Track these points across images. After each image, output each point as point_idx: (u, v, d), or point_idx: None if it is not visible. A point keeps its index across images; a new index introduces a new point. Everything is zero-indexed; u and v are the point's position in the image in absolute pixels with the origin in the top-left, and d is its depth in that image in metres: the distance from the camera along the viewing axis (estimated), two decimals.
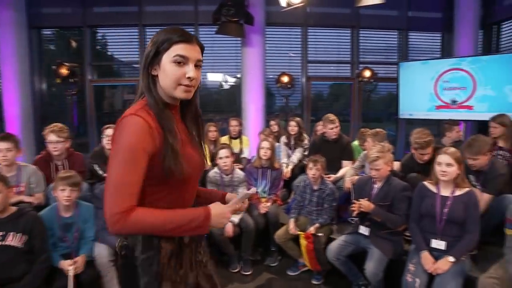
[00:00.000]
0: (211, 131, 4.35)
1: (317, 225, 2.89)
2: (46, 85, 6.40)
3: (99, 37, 6.76)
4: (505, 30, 6.23)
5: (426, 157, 2.88)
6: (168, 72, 1.07)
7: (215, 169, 3.31)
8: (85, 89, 6.32)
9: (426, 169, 2.72)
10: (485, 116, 4.98)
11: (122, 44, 6.64)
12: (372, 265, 2.38)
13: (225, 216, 1.10)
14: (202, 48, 1.15)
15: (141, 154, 1.01)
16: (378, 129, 3.61)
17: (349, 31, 6.60)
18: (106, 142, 3.24)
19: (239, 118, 4.65)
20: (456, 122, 3.87)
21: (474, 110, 5.15)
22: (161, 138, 1.05)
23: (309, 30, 6.50)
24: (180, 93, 1.09)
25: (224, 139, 4.56)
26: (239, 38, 5.95)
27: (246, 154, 4.49)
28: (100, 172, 3.12)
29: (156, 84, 1.11)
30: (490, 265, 2.23)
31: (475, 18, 6.05)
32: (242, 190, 1.20)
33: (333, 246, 2.65)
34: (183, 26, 6.39)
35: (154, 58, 1.09)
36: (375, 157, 2.51)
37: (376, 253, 2.44)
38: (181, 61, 1.07)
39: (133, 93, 6.62)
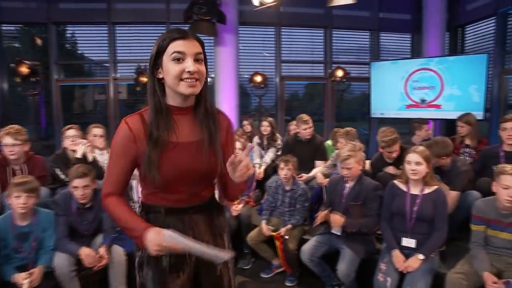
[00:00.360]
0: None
1: (289, 226, 2.86)
2: (8, 84, 6.05)
3: (68, 35, 6.48)
4: (469, 32, 6.48)
5: (394, 155, 2.95)
6: (169, 70, 1.10)
7: None
8: (51, 88, 6.04)
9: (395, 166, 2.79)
10: (452, 115, 5.13)
11: (91, 42, 6.40)
12: (344, 266, 2.36)
13: (153, 247, 1.08)
14: (201, 43, 1.16)
15: (120, 154, 1.17)
16: (348, 128, 3.63)
17: (322, 31, 6.65)
18: (69, 143, 3.07)
19: None
20: (425, 121, 3.95)
21: (442, 109, 5.30)
22: (145, 143, 1.14)
23: (283, 30, 6.49)
24: (184, 89, 1.11)
25: None
26: (211, 37, 5.86)
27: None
28: (62, 176, 2.96)
29: (163, 88, 1.17)
30: (457, 261, 2.28)
31: (442, 20, 6.25)
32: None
33: (307, 247, 2.62)
34: (154, 25, 6.30)
35: (156, 61, 1.14)
36: (346, 155, 2.50)
37: (348, 253, 2.42)
38: (179, 57, 1.09)
39: (104, 93, 6.39)
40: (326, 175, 3.39)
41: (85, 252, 2.29)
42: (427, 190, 2.31)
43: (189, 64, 1.10)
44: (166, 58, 1.11)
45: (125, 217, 1.16)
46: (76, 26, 6.33)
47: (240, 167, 1.10)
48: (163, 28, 6.18)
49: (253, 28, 6.48)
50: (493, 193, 2.24)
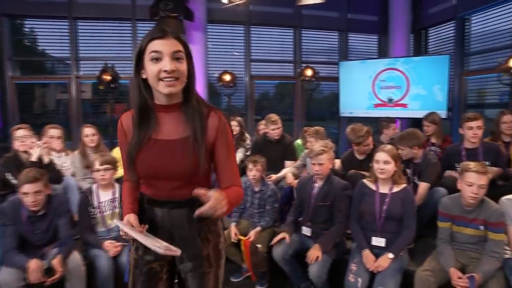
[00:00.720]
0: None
1: (258, 228, 2.79)
2: None
3: (26, 30, 6.05)
4: (432, 35, 6.72)
5: (368, 149, 2.98)
6: (149, 70, 1.13)
7: None
8: (6, 86, 5.63)
9: (365, 165, 2.82)
10: (418, 114, 5.29)
11: (51, 38, 6.01)
12: (316, 267, 2.32)
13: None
14: (182, 41, 1.16)
15: (120, 146, 1.33)
16: (317, 127, 3.61)
17: (291, 31, 6.66)
18: (18, 145, 2.84)
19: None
20: (392, 120, 4.03)
21: (408, 108, 5.44)
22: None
23: (252, 29, 6.43)
24: (163, 88, 1.13)
25: None
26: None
27: None
28: (14, 181, 2.72)
29: (149, 87, 1.18)
30: (425, 258, 2.30)
31: (406, 23, 6.45)
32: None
33: (279, 243, 2.56)
34: (119, 21, 6.03)
35: (139, 62, 1.16)
36: (320, 150, 2.45)
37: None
38: (157, 57, 1.11)
39: (67, 92, 6.03)
40: (296, 176, 3.35)
41: (32, 266, 2.06)
42: (395, 189, 2.32)
43: (165, 63, 1.10)
44: (146, 58, 1.13)
45: (123, 201, 1.35)
46: (35, 20, 5.92)
47: (207, 207, 1.03)
48: (129, 24, 5.94)
49: (222, 27, 6.37)
50: (458, 190, 2.29)
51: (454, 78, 5.89)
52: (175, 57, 1.13)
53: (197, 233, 1.28)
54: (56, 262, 2.13)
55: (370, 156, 2.90)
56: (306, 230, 2.55)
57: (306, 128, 3.72)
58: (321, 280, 2.30)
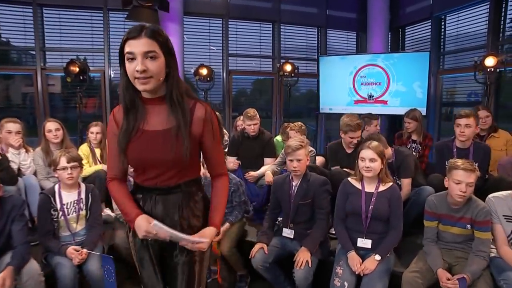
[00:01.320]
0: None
1: (227, 225, 2.62)
2: None
3: None
4: (409, 33, 6.79)
5: (355, 141, 2.91)
6: (127, 70, 1.19)
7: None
8: None
9: (352, 159, 2.76)
10: (398, 111, 5.32)
11: (13, 26, 5.55)
12: (303, 270, 2.17)
13: (140, 231, 1.24)
14: (156, 39, 1.18)
15: (111, 140, 1.34)
16: (300, 123, 3.50)
17: (270, 26, 6.52)
18: None
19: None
20: (374, 116, 3.97)
21: (388, 104, 5.44)
22: None
23: (230, 22, 6.25)
24: (139, 86, 1.20)
25: None
26: None
27: None
28: None
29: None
30: (411, 258, 2.24)
31: (385, 21, 6.50)
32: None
33: (258, 253, 2.37)
34: (90, 10, 5.65)
35: (122, 60, 1.21)
36: (298, 145, 2.32)
37: None
38: (131, 57, 1.16)
39: (32, 85, 5.61)
40: (275, 173, 3.22)
41: None
42: (382, 188, 2.22)
43: (137, 64, 1.15)
44: (125, 58, 1.19)
45: (122, 202, 1.33)
46: None
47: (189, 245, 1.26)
48: (99, 14, 5.60)
49: (199, 19, 6.15)
50: (445, 189, 2.22)
51: (429, 76, 5.96)
52: (147, 57, 1.17)
53: (178, 220, 1.34)
54: (4, 275, 1.85)
55: (354, 153, 2.84)
56: (287, 232, 2.41)
57: (286, 124, 3.60)
58: (307, 282, 2.15)
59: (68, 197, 2.32)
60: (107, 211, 3.19)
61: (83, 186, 2.41)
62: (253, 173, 3.39)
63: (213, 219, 1.35)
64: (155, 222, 1.20)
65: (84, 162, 3.29)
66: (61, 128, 3.15)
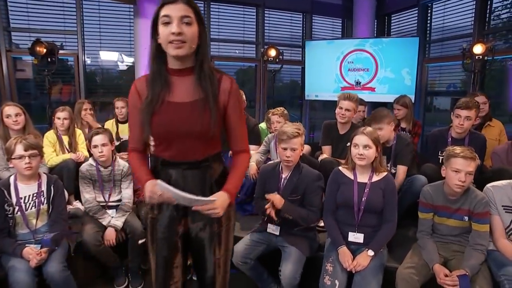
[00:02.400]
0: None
1: None
2: None
3: None
4: (395, 21, 6.66)
5: (342, 112, 2.83)
6: (160, 34, 1.20)
7: (90, 161, 2.57)
8: None
9: (343, 141, 2.73)
10: (386, 98, 5.20)
11: None
12: (291, 267, 1.99)
13: (147, 194, 1.24)
14: (192, 7, 1.20)
15: (132, 112, 1.36)
16: (283, 108, 3.31)
17: (253, 10, 6.26)
18: None
19: (125, 98, 3.88)
20: (363, 102, 3.82)
21: (376, 92, 5.30)
22: None
23: (213, 6, 5.95)
24: (171, 51, 1.20)
25: (109, 124, 3.77)
26: (129, 5, 5.11)
27: None
28: None
29: (164, 53, 1.25)
30: (405, 251, 2.11)
31: (371, 8, 6.33)
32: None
33: (239, 247, 2.19)
34: None
35: (155, 27, 1.22)
36: (295, 132, 2.09)
37: (293, 252, 2.07)
38: (167, 21, 1.17)
39: None
40: (260, 163, 3.02)
41: None
42: (375, 178, 2.05)
43: (173, 26, 1.17)
44: (159, 22, 1.20)
45: (137, 169, 1.37)
46: None
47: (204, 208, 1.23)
48: None
49: None
50: (438, 179, 2.10)
51: (419, 62, 5.87)
52: (183, 22, 1.18)
53: (209, 194, 1.31)
54: None
55: (349, 134, 2.70)
56: (273, 228, 2.20)
57: (272, 110, 3.39)
58: (295, 282, 1.97)
59: (26, 190, 2.05)
60: (76, 204, 2.93)
61: (44, 177, 2.15)
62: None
63: (226, 185, 1.32)
64: (158, 181, 1.19)
65: (50, 150, 3.03)
66: (22, 113, 2.84)
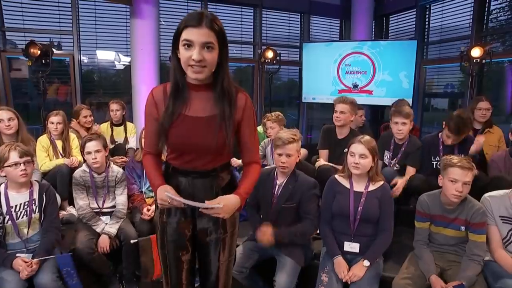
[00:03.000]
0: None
1: None
2: None
3: None
4: (393, 22, 6.64)
5: (338, 115, 2.83)
6: (181, 55, 1.22)
7: (84, 167, 2.54)
8: None
9: (342, 146, 2.64)
10: (384, 101, 5.18)
11: None
12: (285, 277, 1.96)
13: (158, 200, 1.30)
14: (215, 30, 1.20)
15: (148, 118, 1.39)
16: (278, 112, 3.28)
17: (251, 10, 6.21)
18: None
19: (120, 101, 3.84)
20: (360, 107, 3.79)
21: (373, 95, 5.28)
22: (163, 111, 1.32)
23: (210, 6, 5.90)
24: (190, 74, 1.23)
25: (104, 127, 3.73)
26: (126, 6, 5.06)
27: (133, 144, 3.74)
28: None
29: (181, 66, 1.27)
30: (400, 260, 2.10)
31: (369, 8, 6.31)
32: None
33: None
34: None
35: (176, 43, 1.24)
36: (290, 138, 2.06)
37: (288, 262, 2.03)
38: (188, 44, 1.18)
39: None
40: None
41: None
42: (372, 187, 2.03)
43: (194, 53, 1.17)
44: (180, 43, 1.20)
45: (150, 174, 1.40)
46: None
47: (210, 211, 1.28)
48: None
49: (177, 2, 5.77)
50: (426, 191, 2.11)
51: (416, 65, 5.85)
52: (205, 47, 1.19)
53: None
54: None
55: (349, 140, 2.69)
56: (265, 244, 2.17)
57: (268, 114, 3.37)
58: None
59: (17, 198, 2.01)
60: (70, 210, 2.89)
61: (36, 185, 2.11)
62: (237, 160, 3.14)
63: (238, 189, 1.37)
64: (166, 193, 1.26)
65: (44, 155, 2.99)
66: (15, 117, 2.80)
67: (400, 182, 2.51)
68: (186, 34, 1.18)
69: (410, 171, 2.68)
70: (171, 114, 1.29)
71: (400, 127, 2.69)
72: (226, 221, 1.43)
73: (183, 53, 1.20)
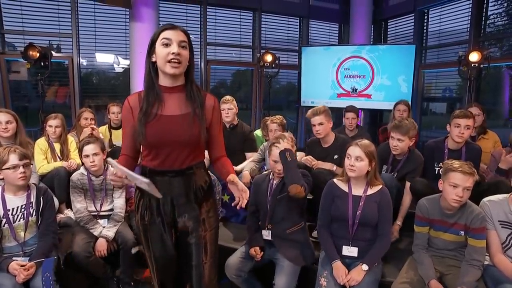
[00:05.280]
0: (86, 118, 3.48)
1: None
2: None
3: None
4: (392, 26, 6.69)
5: (317, 128, 2.78)
6: (159, 53, 1.38)
7: (82, 170, 2.52)
8: None
9: (330, 154, 2.75)
10: (382, 105, 5.18)
11: None
12: (284, 279, 1.97)
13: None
14: (187, 34, 1.43)
15: (124, 124, 1.51)
16: (282, 116, 3.29)
17: (250, 14, 6.24)
18: None
19: (119, 104, 3.83)
20: (351, 109, 3.81)
21: (372, 99, 5.28)
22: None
23: (209, 10, 5.92)
24: (169, 69, 1.39)
25: (103, 129, 3.72)
26: (125, 9, 5.07)
27: None
28: None
29: (157, 71, 1.44)
30: (399, 265, 2.09)
31: (368, 13, 6.37)
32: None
33: (232, 260, 2.16)
34: None
35: (152, 48, 1.41)
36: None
37: (286, 264, 2.04)
38: (167, 42, 1.36)
39: None
40: (254, 171, 2.99)
41: None
42: (370, 191, 2.02)
43: (173, 47, 1.36)
44: (158, 44, 1.37)
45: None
46: None
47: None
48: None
49: (176, 5, 5.79)
50: (427, 195, 2.09)
51: (415, 70, 5.87)
52: (181, 45, 1.39)
53: (193, 199, 1.52)
54: None
55: (336, 147, 2.72)
56: (265, 234, 2.19)
57: (267, 117, 3.37)
58: None
59: (15, 201, 2.00)
60: (67, 213, 2.87)
61: (33, 188, 2.10)
62: (235, 168, 3.14)
63: (227, 172, 1.51)
64: (109, 159, 1.39)
65: (42, 158, 2.98)
66: (14, 120, 2.78)
67: (395, 229, 2.51)
68: (165, 34, 1.37)
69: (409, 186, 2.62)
70: (145, 113, 1.40)
71: (396, 143, 2.58)
72: (205, 219, 1.54)
73: (161, 51, 1.36)
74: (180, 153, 1.45)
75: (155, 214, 1.50)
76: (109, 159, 1.35)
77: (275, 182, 2.22)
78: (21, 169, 1.97)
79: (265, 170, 2.93)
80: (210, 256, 1.55)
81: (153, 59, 1.41)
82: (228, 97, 3.34)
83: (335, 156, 2.73)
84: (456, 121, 2.58)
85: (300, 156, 3.17)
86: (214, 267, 1.58)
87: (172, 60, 1.36)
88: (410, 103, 4.86)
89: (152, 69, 1.42)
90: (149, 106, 1.41)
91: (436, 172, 2.66)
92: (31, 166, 2.09)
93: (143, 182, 1.26)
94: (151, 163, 1.47)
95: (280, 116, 3.29)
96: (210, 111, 1.50)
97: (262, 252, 2.13)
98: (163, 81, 1.44)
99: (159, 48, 1.37)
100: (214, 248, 1.58)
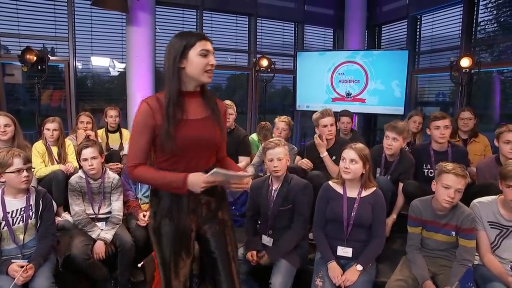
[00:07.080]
0: (82, 122, 3.50)
1: None
2: None
3: None
4: (385, 32, 6.80)
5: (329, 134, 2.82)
6: (195, 62, 1.41)
7: (80, 173, 2.55)
8: None
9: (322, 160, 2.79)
10: (376, 109, 5.26)
11: None
12: (281, 279, 2.00)
13: (198, 185, 1.36)
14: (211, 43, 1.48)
15: (142, 129, 1.43)
16: (288, 118, 3.44)
17: (246, 19, 6.31)
18: None
19: (116, 107, 3.86)
20: (345, 113, 3.88)
21: (366, 103, 5.36)
22: (162, 118, 1.40)
23: (205, 14, 5.97)
24: (205, 78, 1.44)
25: (100, 133, 3.74)
26: (122, 13, 5.10)
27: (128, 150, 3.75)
28: None
29: (180, 76, 1.44)
30: (392, 265, 2.13)
31: (362, 18, 6.45)
32: None
33: None
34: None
35: (183, 54, 1.40)
36: (276, 141, 2.20)
37: (283, 264, 2.08)
38: (205, 53, 1.41)
39: None
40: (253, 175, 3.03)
41: None
42: (364, 193, 2.08)
43: (211, 59, 1.43)
44: (193, 53, 1.40)
45: (161, 175, 1.42)
46: None
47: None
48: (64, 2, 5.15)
49: (173, 9, 5.83)
50: (419, 196, 2.15)
51: (408, 74, 5.97)
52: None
53: (217, 196, 1.58)
54: None
55: (334, 150, 2.75)
56: (266, 240, 2.23)
57: (263, 123, 3.43)
58: None
59: (14, 204, 2.02)
60: (65, 216, 2.88)
61: (32, 191, 2.12)
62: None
63: (235, 167, 1.68)
64: (215, 169, 1.33)
65: (39, 161, 2.99)
66: (12, 123, 2.80)
67: (390, 221, 2.56)
68: (204, 45, 1.41)
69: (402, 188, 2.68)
70: (174, 117, 1.39)
71: (390, 142, 2.64)
72: (224, 217, 1.59)
73: (199, 60, 1.40)
74: (202, 156, 1.50)
75: (175, 215, 1.48)
76: (216, 169, 1.33)
77: (274, 188, 2.24)
78: (25, 173, 1.99)
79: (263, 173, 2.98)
80: (234, 246, 1.62)
81: (182, 65, 1.41)
82: (228, 102, 3.40)
83: (333, 158, 2.79)
84: (435, 124, 2.70)
85: (297, 160, 3.23)
86: (237, 257, 1.65)
87: (209, 70, 1.42)
88: (403, 107, 4.99)
89: (177, 74, 1.42)
90: (179, 111, 1.42)
91: (426, 174, 2.74)
92: (32, 169, 2.11)
93: (239, 175, 1.40)
94: (172, 167, 1.45)
95: (288, 117, 3.41)
96: (222, 115, 1.57)
97: (258, 257, 2.16)
98: (185, 86, 1.46)
99: (196, 57, 1.40)
100: (235, 238, 1.64)
